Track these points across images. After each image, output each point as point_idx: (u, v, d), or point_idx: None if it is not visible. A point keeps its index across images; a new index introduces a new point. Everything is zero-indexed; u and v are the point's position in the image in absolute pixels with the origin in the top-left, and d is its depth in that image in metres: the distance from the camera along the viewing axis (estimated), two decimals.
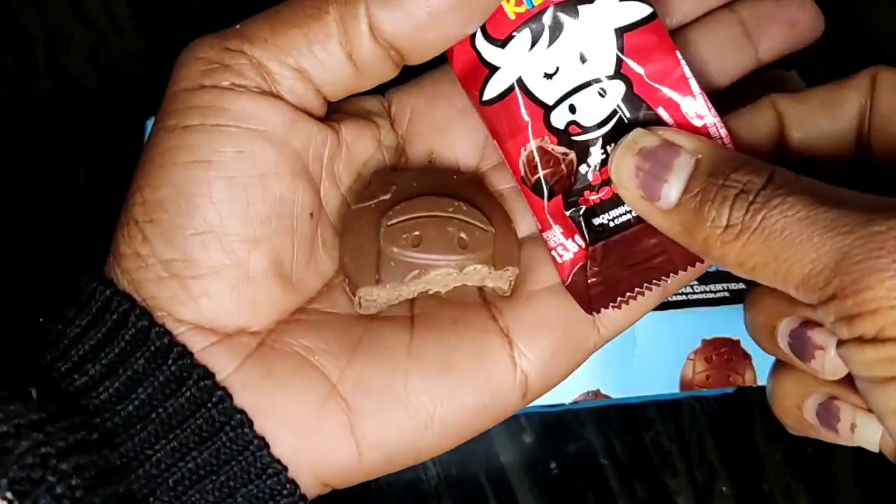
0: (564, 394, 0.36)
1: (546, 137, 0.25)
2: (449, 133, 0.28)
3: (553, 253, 0.26)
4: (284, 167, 0.24)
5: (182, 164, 0.23)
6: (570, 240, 0.26)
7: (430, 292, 0.26)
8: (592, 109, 0.25)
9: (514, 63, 0.25)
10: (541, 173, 0.26)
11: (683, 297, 0.36)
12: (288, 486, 0.23)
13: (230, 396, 0.23)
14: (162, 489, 0.23)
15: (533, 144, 0.25)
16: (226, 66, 0.24)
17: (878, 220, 0.19)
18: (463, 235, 0.26)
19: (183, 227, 0.23)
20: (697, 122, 0.25)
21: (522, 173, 0.26)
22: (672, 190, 0.22)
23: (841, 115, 0.24)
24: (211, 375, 0.23)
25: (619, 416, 0.40)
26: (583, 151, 0.25)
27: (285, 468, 0.23)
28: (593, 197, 0.26)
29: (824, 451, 0.40)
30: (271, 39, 0.24)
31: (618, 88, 0.25)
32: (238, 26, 0.25)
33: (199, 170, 0.23)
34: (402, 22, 0.23)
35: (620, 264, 0.25)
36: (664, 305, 0.35)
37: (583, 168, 0.26)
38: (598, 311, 0.25)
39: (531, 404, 0.36)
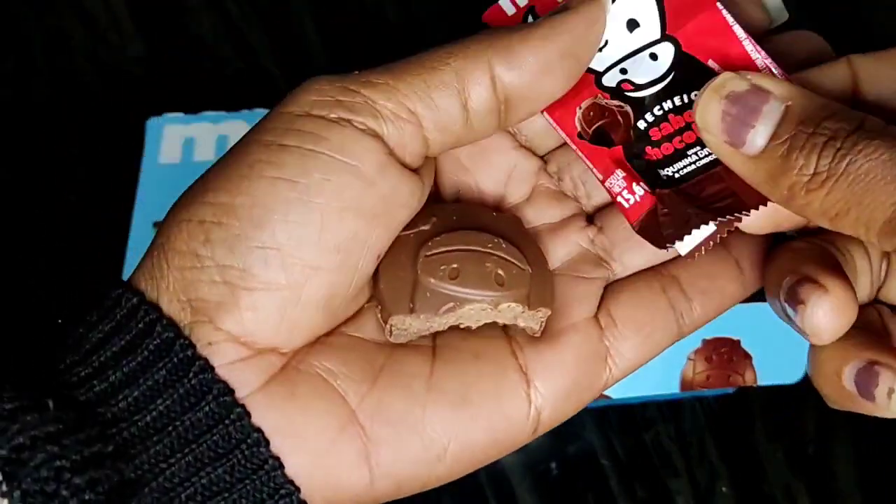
0: None
1: (599, 95, 0.26)
2: (478, 162, 0.28)
3: (619, 199, 0.26)
4: (366, 206, 0.24)
5: (267, 179, 0.23)
6: (634, 184, 0.26)
7: (462, 326, 0.26)
8: (644, 70, 0.26)
9: None
10: (600, 123, 0.26)
11: None
12: None
13: (248, 414, 0.23)
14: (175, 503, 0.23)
15: (588, 100, 0.26)
16: (338, 101, 0.24)
17: None
18: (500, 272, 0.26)
19: (250, 239, 0.23)
20: (750, 67, 0.25)
21: (579, 129, 0.26)
22: (759, 136, 0.22)
23: None
24: (231, 392, 0.23)
25: (619, 416, 0.40)
26: (638, 106, 0.26)
27: (298, 489, 0.23)
28: (655, 150, 0.26)
29: (825, 451, 0.40)
30: (391, 83, 0.24)
31: (667, 50, 0.26)
32: (359, 72, 0.25)
33: (283, 187, 0.23)
34: (522, 71, 0.24)
35: (689, 204, 0.25)
36: None
37: (641, 123, 0.26)
38: (672, 244, 0.25)
39: None
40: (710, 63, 0.26)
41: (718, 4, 0.25)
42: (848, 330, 0.24)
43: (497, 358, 0.26)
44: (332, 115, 0.24)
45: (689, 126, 0.26)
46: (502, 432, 0.25)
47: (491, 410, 0.25)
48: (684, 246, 0.25)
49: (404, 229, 0.26)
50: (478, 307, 0.25)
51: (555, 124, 0.27)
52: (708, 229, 0.25)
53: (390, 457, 0.24)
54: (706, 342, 0.36)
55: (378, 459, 0.24)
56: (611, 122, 0.26)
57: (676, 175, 0.26)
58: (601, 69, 0.26)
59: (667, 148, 0.26)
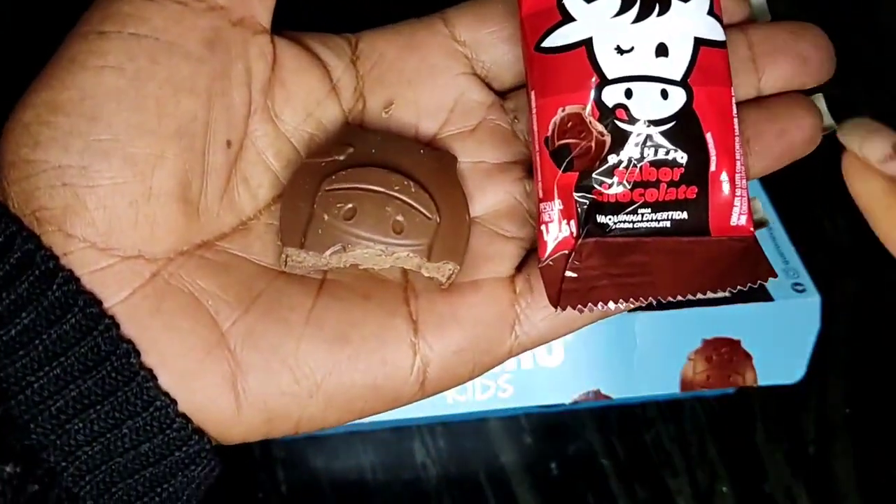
0: (564, 394, 0.36)
1: (590, 108, 0.24)
2: (415, 87, 0.27)
3: (542, 227, 0.25)
4: (201, 85, 0.23)
5: (92, 69, 0.22)
6: (564, 221, 0.24)
7: (361, 267, 0.25)
8: (649, 104, 0.24)
9: (593, 22, 0.24)
10: (569, 141, 0.24)
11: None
12: (178, 419, 0.23)
13: (117, 325, 0.22)
14: (44, 416, 0.22)
15: (574, 109, 0.24)
16: None
17: None
18: (400, 218, 0.24)
19: (84, 133, 0.22)
20: (731, 166, 0.24)
21: (549, 133, 0.24)
22: None
23: None
24: (98, 303, 0.22)
25: (619, 417, 0.40)
26: (620, 141, 0.24)
27: (174, 401, 0.23)
28: (609, 192, 0.24)
29: (824, 452, 0.40)
30: None
31: (679, 97, 0.24)
32: None
33: (110, 75, 0.22)
34: None
35: (602, 270, 0.24)
36: (664, 305, 0.35)
37: (612, 158, 0.24)
38: (564, 308, 0.24)
39: (530, 404, 0.36)
40: (708, 136, 0.24)
41: (732, 90, 0.25)
42: None
43: (387, 302, 0.25)
44: None
45: (657, 183, 0.24)
46: (382, 378, 0.24)
47: (371, 353, 0.24)
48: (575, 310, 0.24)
49: (315, 156, 0.25)
50: (371, 252, 0.24)
51: (534, 112, 0.25)
52: (605, 306, 0.24)
53: (258, 386, 0.23)
54: (706, 342, 0.36)
55: (245, 386, 0.23)
56: (582, 147, 0.24)
57: (613, 226, 0.24)
58: (611, 76, 0.24)
59: (623, 195, 0.24)
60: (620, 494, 0.38)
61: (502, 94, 0.28)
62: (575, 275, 0.24)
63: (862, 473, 0.39)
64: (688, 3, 0.24)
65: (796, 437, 0.40)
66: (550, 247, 0.24)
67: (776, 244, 0.38)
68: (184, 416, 0.23)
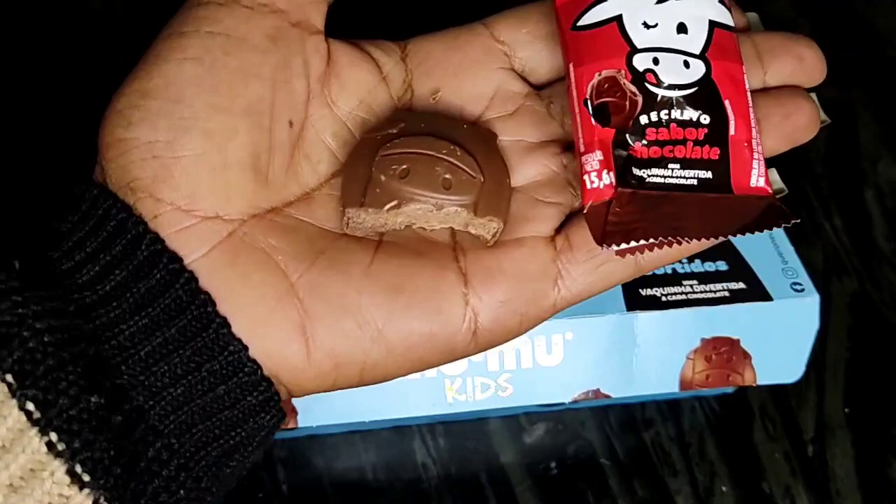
0: (564, 393, 0.36)
1: (623, 72, 0.27)
2: (459, 78, 0.30)
3: (585, 177, 0.27)
4: (266, 72, 0.27)
5: (175, 61, 0.26)
6: (605, 171, 0.27)
7: (415, 227, 0.28)
8: (674, 71, 0.27)
9: (622, 2, 0.28)
10: (607, 100, 0.27)
11: (683, 297, 0.36)
12: (248, 364, 0.25)
13: (196, 279, 0.25)
14: (133, 360, 0.25)
15: (610, 72, 0.27)
16: None
17: None
18: (448, 176, 0.27)
19: (169, 113, 0.26)
20: (747, 133, 0.27)
21: (588, 95, 0.27)
22: None
23: None
24: (179, 260, 0.25)
25: (619, 416, 0.40)
26: (650, 102, 0.27)
27: (245, 347, 0.25)
28: (641, 148, 0.27)
29: (824, 451, 0.40)
30: None
31: (700, 67, 0.27)
32: None
33: (190, 65, 0.26)
34: None
35: (639, 215, 0.26)
36: (664, 305, 0.36)
37: (643, 118, 0.27)
38: (609, 245, 0.26)
39: (530, 404, 0.36)
40: (726, 103, 0.27)
41: (743, 68, 0.28)
42: None
43: (438, 258, 0.27)
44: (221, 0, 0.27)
45: (683, 141, 0.27)
46: (438, 326, 0.27)
47: (425, 301, 0.27)
48: (616, 248, 0.26)
49: (371, 132, 0.28)
50: (423, 207, 0.27)
51: (573, 79, 0.28)
52: (644, 244, 0.26)
53: (325, 330, 0.26)
54: (705, 342, 0.36)
55: (313, 332, 0.26)
56: (618, 104, 0.27)
57: (647, 179, 0.27)
58: (639, 46, 0.27)
59: (654, 152, 0.27)
60: (620, 494, 0.38)
61: (538, 88, 0.31)
62: (616, 218, 0.26)
63: (861, 473, 0.39)
64: None
65: (795, 437, 0.40)
66: (593, 193, 0.27)
67: (775, 244, 0.38)
68: (254, 361, 0.25)
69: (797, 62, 0.29)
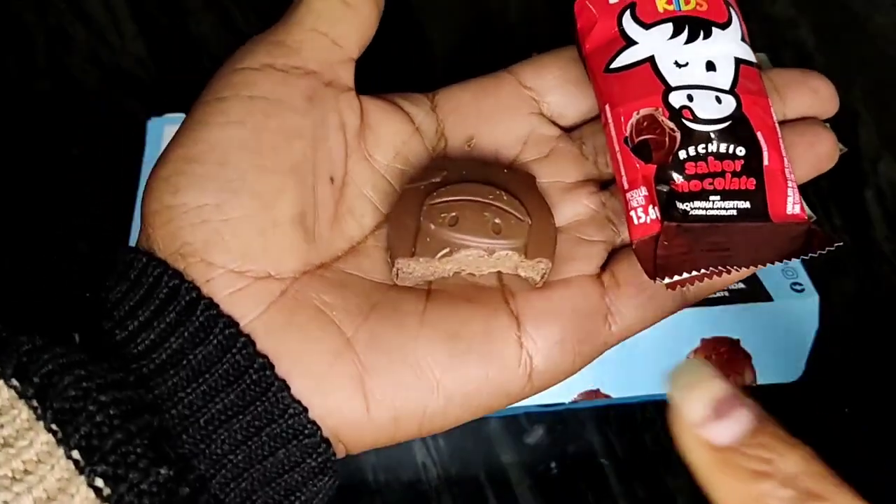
0: (564, 393, 0.36)
1: (661, 109, 0.28)
2: (492, 123, 0.31)
3: (632, 213, 0.28)
4: (307, 131, 0.27)
5: (218, 125, 0.26)
6: (650, 206, 0.27)
7: (464, 274, 0.28)
8: (708, 107, 0.28)
9: (652, 43, 0.29)
10: (647, 137, 0.28)
11: None
12: (309, 426, 0.25)
13: (253, 343, 0.25)
14: (194, 428, 0.24)
15: (648, 110, 0.28)
16: (260, 51, 0.28)
17: None
18: (497, 221, 0.27)
19: (216, 177, 0.26)
20: (780, 163, 0.28)
21: (628, 133, 0.28)
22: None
23: None
24: (236, 324, 0.25)
25: (619, 416, 0.40)
26: (687, 137, 0.27)
27: (305, 409, 0.25)
28: (682, 182, 0.27)
29: (824, 452, 0.40)
30: (300, 14, 0.28)
31: (731, 102, 0.28)
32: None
33: (233, 128, 0.26)
34: None
35: (687, 247, 0.27)
36: None
37: (682, 153, 0.27)
38: (661, 279, 0.26)
39: (531, 403, 0.36)
40: (758, 135, 0.28)
41: (769, 101, 0.29)
42: None
43: (489, 302, 0.27)
44: (256, 65, 0.27)
45: (722, 174, 0.27)
46: (494, 370, 0.26)
47: (481, 347, 0.26)
48: (668, 280, 0.27)
49: (414, 181, 0.28)
50: (474, 253, 0.27)
51: (611, 119, 0.28)
52: (695, 275, 0.26)
53: (384, 384, 0.26)
54: (705, 342, 0.36)
55: (373, 386, 0.26)
56: (658, 140, 0.28)
57: (691, 212, 0.27)
58: (673, 84, 0.28)
59: (695, 185, 0.27)
60: (620, 494, 0.38)
61: (567, 131, 0.31)
62: (665, 252, 0.27)
63: (862, 473, 0.39)
64: (726, 31, 0.29)
65: (795, 437, 0.40)
66: (641, 229, 0.28)
67: None
68: (314, 423, 0.25)
69: (813, 94, 0.30)
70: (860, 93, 0.50)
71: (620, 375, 0.36)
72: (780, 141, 0.28)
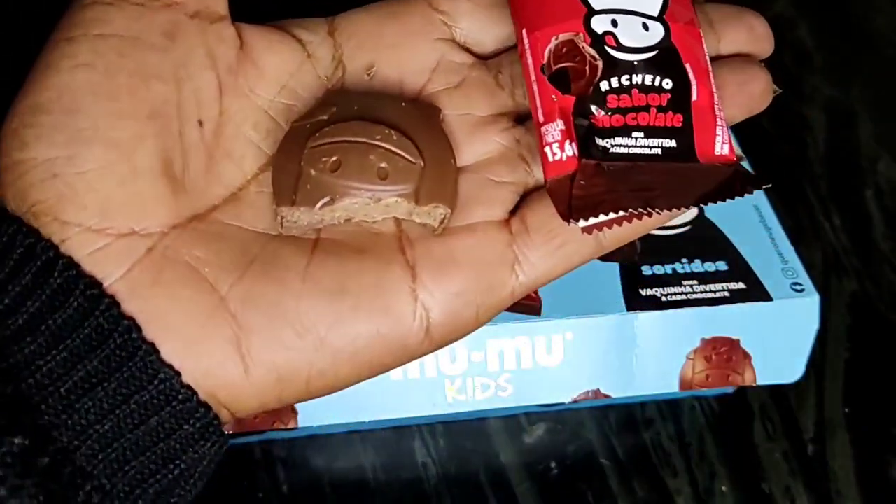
0: (564, 393, 0.36)
1: (581, 35, 0.26)
2: (397, 50, 0.28)
3: (546, 149, 0.26)
4: (167, 71, 0.25)
5: (66, 69, 0.24)
6: (567, 141, 0.25)
7: (355, 220, 0.26)
8: (633, 34, 0.26)
9: None
10: (566, 64, 0.26)
11: (683, 297, 0.36)
12: (182, 391, 0.23)
13: (118, 304, 0.23)
14: (54, 397, 0.23)
15: (568, 35, 0.26)
16: None
17: None
18: (384, 165, 0.25)
19: (66, 126, 0.23)
20: (709, 98, 0.26)
21: (545, 61, 0.26)
22: None
23: None
24: (98, 284, 0.23)
25: (619, 416, 0.40)
26: (610, 66, 0.26)
27: (177, 373, 0.23)
28: (603, 116, 0.25)
29: (823, 451, 0.40)
30: None
31: (659, 30, 0.26)
32: None
33: (83, 72, 0.24)
34: None
35: (605, 186, 0.25)
36: (664, 305, 0.36)
37: (604, 84, 0.26)
38: (576, 221, 0.25)
39: (530, 404, 0.36)
40: (687, 67, 0.26)
41: (700, 31, 0.27)
42: None
43: (382, 252, 0.25)
44: None
45: (647, 108, 0.26)
46: (387, 327, 0.25)
47: (370, 301, 0.25)
48: (584, 223, 0.25)
49: (301, 119, 0.26)
50: (359, 201, 0.25)
51: (527, 45, 0.26)
52: (613, 216, 0.25)
53: (263, 344, 0.24)
54: (705, 342, 0.36)
55: (250, 346, 0.24)
56: (577, 69, 0.26)
57: (611, 150, 0.25)
58: (597, 7, 0.26)
59: (617, 119, 0.26)
60: (620, 494, 0.38)
61: (483, 59, 0.29)
62: (581, 192, 0.25)
63: (861, 473, 0.39)
64: None
65: (795, 437, 0.40)
66: (555, 167, 0.26)
67: (775, 244, 0.38)
68: (188, 387, 0.23)
69: (749, 31, 0.28)
70: (859, 93, 0.50)
71: (620, 375, 0.36)
72: (711, 76, 0.26)
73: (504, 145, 0.27)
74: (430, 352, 0.26)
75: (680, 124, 0.26)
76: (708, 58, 0.27)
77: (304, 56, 0.28)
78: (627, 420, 0.40)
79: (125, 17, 0.25)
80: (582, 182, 0.25)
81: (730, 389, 0.41)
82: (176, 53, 0.25)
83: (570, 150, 0.25)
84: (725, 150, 0.26)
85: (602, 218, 0.25)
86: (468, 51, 0.29)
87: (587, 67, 0.26)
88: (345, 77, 0.28)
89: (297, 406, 0.35)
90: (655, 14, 0.26)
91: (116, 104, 0.24)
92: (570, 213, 0.25)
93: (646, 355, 0.36)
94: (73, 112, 0.24)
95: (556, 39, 0.26)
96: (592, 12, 0.26)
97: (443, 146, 0.26)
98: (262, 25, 0.28)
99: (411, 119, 0.26)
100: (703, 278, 0.37)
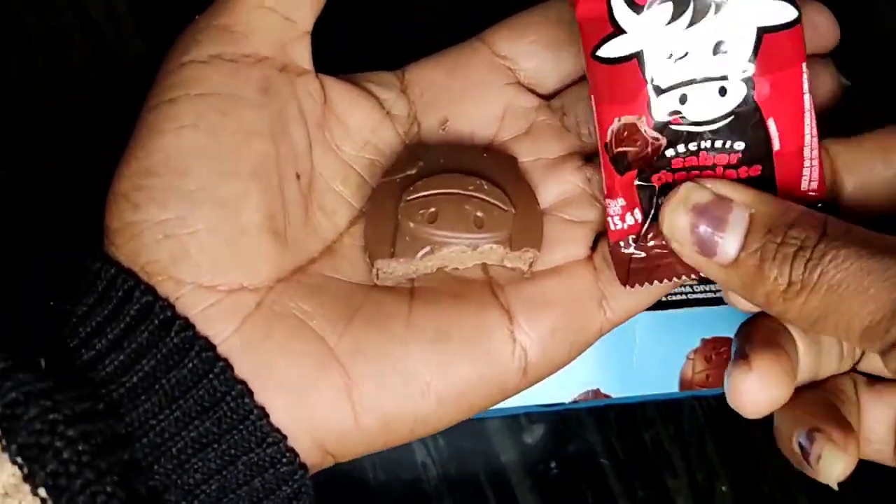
0: (564, 393, 0.36)
1: (644, 118, 0.25)
2: (465, 103, 0.29)
3: (609, 219, 0.26)
4: (265, 127, 0.25)
5: (171, 131, 0.25)
6: (629, 213, 0.26)
7: (449, 269, 0.27)
8: (705, 105, 0.25)
9: (644, 33, 0.24)
10: (626, 149, 0.25)
11: (683, 297, 0.36)
12: (287, 454, 0.24)
13: (231, 367, 0.24)
14: (166, 457, 0.23)
15: (629, 119, 0.25)
16: (199, 40, 0.26)
17: None
18: (480, 214, 0.26)
19: (176, 188, 0.24)
20: (797, 142, 0.25)
21: (608, 140, 0.25)
22: (729, 246, 0.23)
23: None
24: (212, 347, 0.24)
25: (619, 416, 0.40)
26: (676, 139, 0.25)
27: (284, 437, 0.24)
28: (666, 176, 0.25)
29: None
30: None
31: (739, 91, 0.25)
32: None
33: (188, 133, 0.25)
34: None
35: (666, 249, 0.25)
36: (664, 305, 0.36)
37: (669, 152, 0.25)
38: (633, 286, 0.25)
39: (531, 403, 0.36)
40: (769, 122, 0.25)
41: (804, 66, 0.25)
42: (808, 396, 0.25)
43: (476, 297, 0.26)
44: (203, 57, 0.25)
45: (713, 168, 0.25)
46: (487, 368, 0.25)
47: (473, 345, 0.25)
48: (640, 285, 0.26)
49: (389, 174, 0.27)
50: (457, 249, 0.26)
51: (595, 113, 0.26)
52: (667, 284, 0.25)
53: (372, 392, 0.25)
54: (705, 342, 0.36)
55: (359, 395, 0.24)
56: (638, 152, 0.25)
57: None
58: (664, 86, 0.25)
59: (679, 176, 0.25)
60: (620, 494, 0.38)
61: (549, 98, 0.29)
62: (641, 254, 0.25)
63: (861, 473, 0.39)
64: None
65: None
66: (617, 234, 0.26)
67: None
68: (292, 450, 0.24)
69: (811, 30, 0.26)
70: (860, 93, 0.50)
71: (620, 375, 0.36)
72: (807, 114, 0.25)
73: (577, 185, 0.28)
74: (524, 389, 0.27)
75: (758, 174, 0.25)
76: (808, 95, 0.25)
77: (383, 113, 0.28)
78: (627, 420, 0.40)
79: (221, 74, 0.25)
80: (642, 244, 0.25)
81: None
82: (271, 109, 0.26)
83: (632, 219, 0.26)
84: (813, 186, 0.25)
85: (655, 284, 0.25)
86: (533, 92, 0.29)
87: (650, 148, 0.25)
88: (421, 132, 0.29)
89: None
90: (739, 72, 0.24)
91: (221, 164, 0.25)
92: (627, 279, 0.25)
93: (646, 355, 0.36)
94: (182, 174, 0.24)
95: (619, 121, 0.25)
96: (659, 91, 0.25)
97: (528, 192, 0.27)
98: (342, 80, 0.28)
99: (495, 168, 0.27)
100: (704, 278, 0.37)
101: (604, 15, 0.25)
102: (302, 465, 0.24)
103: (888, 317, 0.20)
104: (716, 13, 0.24)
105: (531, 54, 0.29)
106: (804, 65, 0.25)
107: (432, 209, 0.26)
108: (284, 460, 0.24)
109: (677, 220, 0.24)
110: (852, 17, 0.54)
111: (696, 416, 0.40)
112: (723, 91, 0.25)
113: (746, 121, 0.25)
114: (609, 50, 0.25)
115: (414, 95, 0.29)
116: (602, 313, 0.27)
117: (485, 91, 0.29)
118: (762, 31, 0.24)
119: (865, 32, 0.52)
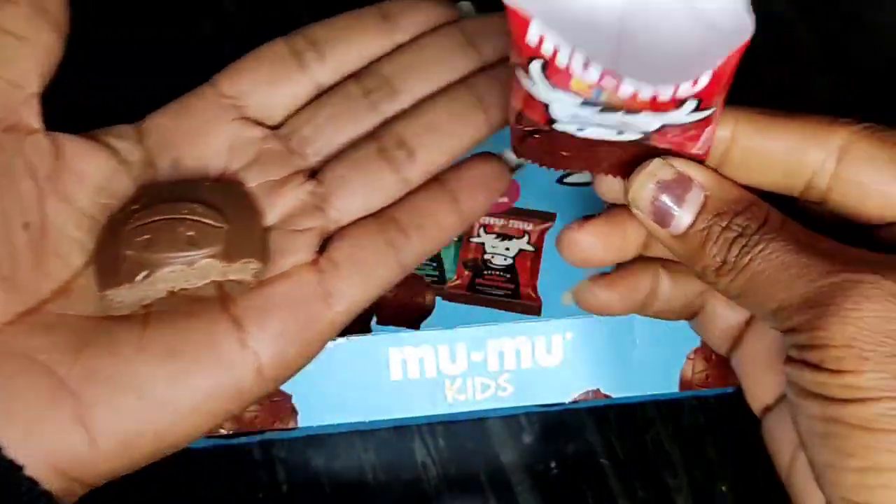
0: (564, 393, 0.36)
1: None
2: (195, 141, 0.31)
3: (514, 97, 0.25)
4: None
5: None
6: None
7: (178, 290, 0.28)
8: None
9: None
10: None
11: None
12: (25, 482, 0.25)
13: None
14: None
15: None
16: None
17: (835, 273, 0.23)
18: (191, 233, 0.28)
19: None
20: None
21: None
22: (682, 220, 0.26)
23: (797, 168, 0.26)
24: None
25: (619, 416, 0.40)
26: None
27: (19, 467, 0.25)
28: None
29: None
30: None
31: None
32: None
33: None
34: None
35: (562, 146, 0.26)
36: None
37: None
38: (525, 157, 0.27)
39: (530, 404, 0.36)
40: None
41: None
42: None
43: (207, 313, 0.28)
44: None
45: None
46: (221, 376, 0.27)
47: (203, 356, 0.27)
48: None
49: (118, 213, 0.29)
50: (176, 268, 0.27)
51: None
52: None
53: (106, 415, 0.26)
54: (705, 342, 0.36)
55: (93, 419, 0.26)
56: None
57: (578, 132, 0.25)
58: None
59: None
60: (620, 494, 0.38)
61: (278, 126, 0.31)
62: (538, 143, 0.26)
63: None
64: None
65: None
66: (521, 113, 0.25)
67: None
68: (30, 479, 0.25)
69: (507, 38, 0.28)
70: (860, 93, 0.50)
71: (620, 375, 0.36)
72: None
73: (301, 199, 0.30)
74: (269, 390, 0.28)
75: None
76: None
77: (118, 160, 0.30)
78: (627, 420, 0.40)
79: None
80: (540, 136, 0.26)
81: (730, 389, 0.41)
82: None
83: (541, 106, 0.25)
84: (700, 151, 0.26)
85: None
86: (262, 124, 0.31)
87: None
88: (156, 174, 0.30)
89: (298, 406, 0.35)
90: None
91: None
92: (523, 152, 0.27)
93: (646, 355, 0.36)
94: None
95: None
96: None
97: (247, 209, 0.29)
98: (77, 136, 0.30)
99: (215, 193, 0.29)
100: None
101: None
102: (45, 493, 0.25)
103: (794, 306, 0.24)
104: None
105: (251, 92, 0.31)
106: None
107: (146, 235, 0.27)
108: (24, 488, 0.25)
109: (642, 191, 0.26)
110: (852, 17, 0.54)
111: (696, 416, 0.40)
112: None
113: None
114: None
115: (150, 142, 0.31)
116: (330, 308, 0.28)
117: (211, 129, 0.31)
118: None
119: (865, 32, 0.52)
